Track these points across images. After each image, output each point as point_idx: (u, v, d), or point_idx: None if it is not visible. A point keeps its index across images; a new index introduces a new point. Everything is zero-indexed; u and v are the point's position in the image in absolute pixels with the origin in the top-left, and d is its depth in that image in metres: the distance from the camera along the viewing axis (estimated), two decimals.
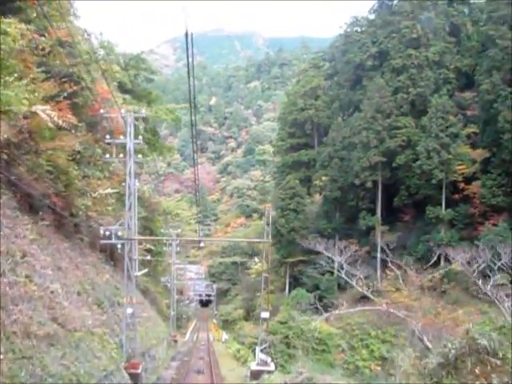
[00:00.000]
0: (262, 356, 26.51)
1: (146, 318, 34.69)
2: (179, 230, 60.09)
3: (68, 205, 21.31)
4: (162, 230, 57.99)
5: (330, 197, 79.45)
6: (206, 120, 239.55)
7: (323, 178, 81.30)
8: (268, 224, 25.82)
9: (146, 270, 24.27)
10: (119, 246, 22.51)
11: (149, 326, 35.19)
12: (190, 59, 11.31)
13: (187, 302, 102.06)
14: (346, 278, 58.49)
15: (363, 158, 71.05)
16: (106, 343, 18.72)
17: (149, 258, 40.30)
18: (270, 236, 25.94)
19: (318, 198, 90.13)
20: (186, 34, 10.16)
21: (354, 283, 55.16)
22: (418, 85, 71.99)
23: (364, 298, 69.85)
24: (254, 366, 27.31)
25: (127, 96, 39.70)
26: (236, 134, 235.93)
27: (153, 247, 44.83)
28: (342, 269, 61.64)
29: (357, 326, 63.76)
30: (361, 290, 54.33)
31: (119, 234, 22.12)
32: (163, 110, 46.88)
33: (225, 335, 69.73)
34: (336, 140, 79.43)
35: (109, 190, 24.88)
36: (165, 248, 56.77)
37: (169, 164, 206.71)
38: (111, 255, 30.10)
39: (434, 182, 65.11)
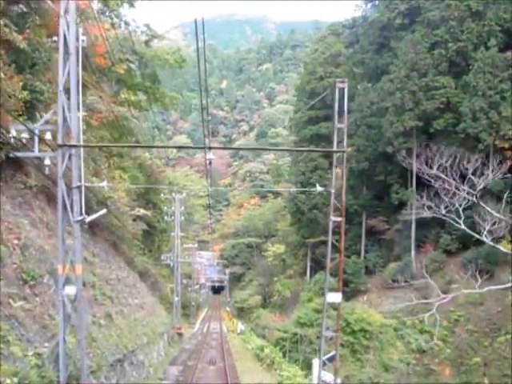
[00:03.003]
0: (328, 376, 17.13)
1: (136, 306, 26.41)
2: (184, 195, 51.88)
3: None
4: (166, 208, 50.53)
5: (357, 169, 71.35)
6: (218, 103, 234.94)
7: (348, 149, 73.32)
8: (343, 130, 17.33)
9: (103, 212, 14.61)
10: (47, 162, 12.78)
11: (140, 316, 26.72)
12: (201, 44, 11.52)
13: (197, 287, 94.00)
14: (469, 231, 43.98)
15: (396, 122, 62.70)
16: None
17: (142, 224, 31.87)
18: (345, 143, 17.63)
19: (341, 172, 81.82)
20: (196, 21, 10.09)
21: (487, 240, 41.68)
22: (459, 39, 63.09)
23: (397, 282, 62.47)
24: None
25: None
26: (248, 117, 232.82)
27: (147, 213, 36.57)
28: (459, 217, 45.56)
29: (389, 314, 55.81)
30: (504, 250, 43.45)
31: (47, 138, 12.59)
32: (165, 50, 38.63)
33: (240, 326, 61.98)
34: (363, 105, 71.18)
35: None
36: (166, 218, 48.69)
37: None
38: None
39: (480, 147, 56.50)
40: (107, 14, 34.59)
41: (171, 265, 50.45)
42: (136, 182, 37.55)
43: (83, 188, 11.97)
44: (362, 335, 43.44)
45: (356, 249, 72.73)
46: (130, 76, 36.15)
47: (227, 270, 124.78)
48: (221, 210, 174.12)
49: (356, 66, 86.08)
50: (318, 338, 41.51)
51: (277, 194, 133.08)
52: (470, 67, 61.14)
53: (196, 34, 10.84)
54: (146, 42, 37.34)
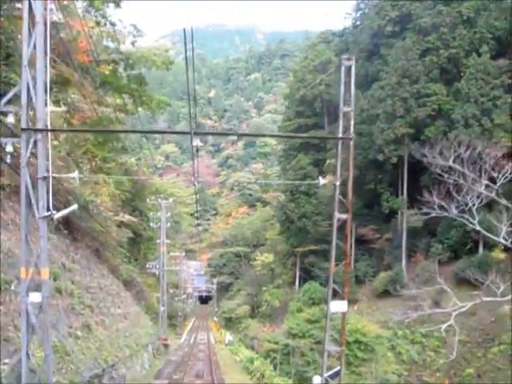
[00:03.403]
0: None
1: (119, 316, 24.99)
2: (171, 200, 50.63)
3: None
4: (152, 214, 49.23)
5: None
6: (206, 112, 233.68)
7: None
8: (350, 114, 15.98)
9: (73, 207, 12.92)
10: (9, 149, 10.94)
11: (123, 326, 25.25)
12: (190, 53, 11.14)
13: (184, 296, 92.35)
14: (485, 232, 40.72)
15: (387, 130, 61.85)
16: None
17: (127, 232, 30.46)
18: (352, 129, 16.02)
19: (330, 180, 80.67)
20: (185, 30, 10.20)
21: (507, 242, 38.94)
22: (451, 45, 62.45)
23: (387, 292, 61.41)
24: None
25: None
26: (236, 126, 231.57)
27: (132, 218, 35.25)
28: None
29: (380, 324, 54.64)
30: None
31: (9, 121, 10.92)
32: (152, 51, 37.42)
33: (229, 336, 60.59)
34: (354, 113, 70.10)
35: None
36: (152, 224, 47.33)
37: (167, 157, 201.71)
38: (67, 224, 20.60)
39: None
40: (93, 13, 33.38)
41: (157, 273, 49.06)
42: (121, 187, 36.28)
43: (51, 179, 10.59)
44: (356, 347, 41.79)
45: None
46: (116, 77, 34.88)
47: (215, 280, 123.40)
48: (209, 220, 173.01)
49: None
50: (311, 350, 39.89)
51: (265, 203, 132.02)
52: (462, 74, 60.58)
53: (185, 42, 10.43)
54: (133, 43, 36.08)
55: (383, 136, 62.60)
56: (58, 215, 11.03)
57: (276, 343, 42.43)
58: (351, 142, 15.26)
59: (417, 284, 59.61)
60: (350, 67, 15.31)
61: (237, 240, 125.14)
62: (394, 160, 63.45)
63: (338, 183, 15.81)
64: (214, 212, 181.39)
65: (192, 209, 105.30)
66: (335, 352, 17.75)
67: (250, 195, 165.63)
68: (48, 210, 10.84)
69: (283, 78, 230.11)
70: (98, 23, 29.68)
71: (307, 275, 73.72)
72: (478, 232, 56.00)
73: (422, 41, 65.15)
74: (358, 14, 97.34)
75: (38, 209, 10.70)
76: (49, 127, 10.50)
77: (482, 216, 45.25)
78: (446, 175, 44.96)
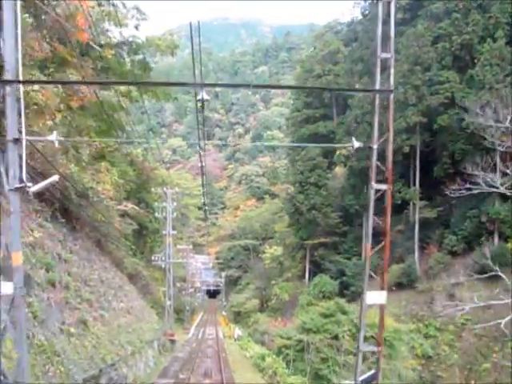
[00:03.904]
0: None
1: (121, 311, 23.65)
2: (176, 189, 49.38)
3: None
4: (157, 204, 48.03)
5: (357, 167, 68.77)
6: (213, 106, 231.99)
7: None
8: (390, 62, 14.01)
9: (54, 178, 11.06)
10: None
11: (125, 322, 23.83)
12: (197, 47, 10.65)
13: (191, 290, 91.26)
14: None
15: (399, 118, 60.35)
16: None
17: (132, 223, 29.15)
18: (392, 79, 13.95)
19: (340, 171, 79.62)
20: (191, 24, 10.01)
21: None
22: (464, 31, 60.68)
23: (400, 285, 60.07)
24: None
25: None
26: (243, 119, 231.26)
27: (135, 207, 33.94)
28: None
29: (393, 317, 53.09)
30: None
31: None
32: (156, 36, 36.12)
33: (238, 331, 59.44)
34: (363, 102, 68.70)
35: None
36: (157, 214, 46.06)
37: (174, 151, 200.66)
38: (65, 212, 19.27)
39: (485, 144, 53.97)
40: None
41: (163, 266, 47.85)
42: (125, 177, 34.97)
43: (24, 142, 9.01)
44: (374, 342, 40.04)
45: (357, 250, 70.37)
46: (119, 63, 33.53)
47: (223, 274, 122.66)
48: (216, 213, 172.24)
49: (356, 63, 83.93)
50: (329, 346, 37.88)
51: (274, 195, 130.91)
52: (475, 61, 58.84)
53: (191, 36, 10.26)
54: (136, 27, 34.71)
55: (395, 125, 60.92)
56: (34, 188, 9.37)
57: (289, 339, 40.08)
58: (391, 96, 13.23)
59: (430, 276, 58.53)
60: (390, 3, 13.16)
61: (245, 233, 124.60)
62: (406, 150, 61.95)
63: (375, 146, 13.36)
64: (222, 206, 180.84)
65: (199, 201, 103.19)
66: (378, 353, 14.85)
67: (258, 188, 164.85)
68: (21, 181, 9.25)
69: (290, 71, 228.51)
70: (99, 4, 28.34)
71: (317, 268, 72.70)
72: (493, 222, 54.78)
73: (434, 27, 63.54)
74: (367, 3, 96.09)
75: (7, 179, 9.15)
76: (20, 79, 8.93)
77: None
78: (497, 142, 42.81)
